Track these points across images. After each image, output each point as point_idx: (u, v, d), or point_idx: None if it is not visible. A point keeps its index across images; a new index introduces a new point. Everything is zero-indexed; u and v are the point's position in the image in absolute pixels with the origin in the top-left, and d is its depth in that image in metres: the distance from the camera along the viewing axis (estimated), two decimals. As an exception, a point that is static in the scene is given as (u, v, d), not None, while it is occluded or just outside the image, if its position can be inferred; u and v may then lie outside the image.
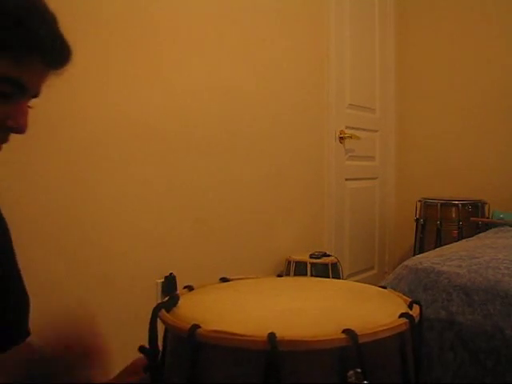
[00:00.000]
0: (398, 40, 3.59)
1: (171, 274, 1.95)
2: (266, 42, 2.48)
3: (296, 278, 0.97)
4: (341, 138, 3.02)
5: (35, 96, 0.77)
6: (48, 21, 0.72)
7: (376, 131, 3.45)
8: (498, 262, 1.50)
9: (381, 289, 0.84)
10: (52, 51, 0.72)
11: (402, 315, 0.67)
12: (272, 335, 0.58)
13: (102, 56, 1.75)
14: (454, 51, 3.39)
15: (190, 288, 0.82)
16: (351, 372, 0.58)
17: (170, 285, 1.92)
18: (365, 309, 0.71)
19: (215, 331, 0.60)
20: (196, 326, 0.61)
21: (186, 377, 0.62)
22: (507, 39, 3.21)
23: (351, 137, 3.05)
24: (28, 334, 0.90)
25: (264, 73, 2.47)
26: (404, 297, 0.79)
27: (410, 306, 0.73)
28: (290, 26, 2.64)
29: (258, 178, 2.46)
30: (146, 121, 1.92)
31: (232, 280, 0.89)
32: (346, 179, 3.11)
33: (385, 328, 0.63)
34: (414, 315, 0.67)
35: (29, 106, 0.77)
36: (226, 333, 0.59)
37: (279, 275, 0.95)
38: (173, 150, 2.02)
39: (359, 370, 0.58)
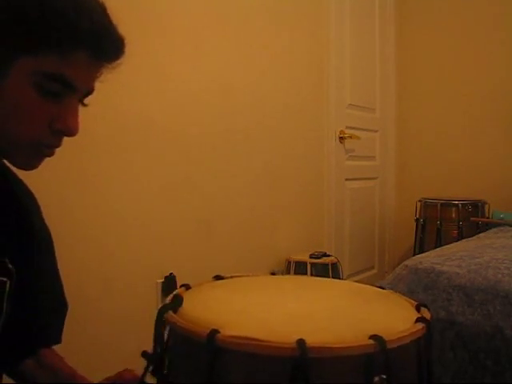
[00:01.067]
0: (398, 40, 3.59)
1: (171, 273, 1.95)
2: (265, 42, 2.47)
3: (292, 276, 0.96)
4: (341, 138, 3.02)
5: (88, 93, 0.72)
6: (93, 11, 0.66)
7: (376, 131, 3.45)
8: (498, 262, 1.50)
9: (380, 289, 0.84)
10: (99, 44, 0.67)
11: (418, 320, 0.67)
12: (301, 342, 0.56)
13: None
14: (454, 51, 3.39)
15: (187, 287, 0.81)
16: (377, 378, 0.58)
17: (170, 285, 1.92)
18: (378, 313, 0.71)
19: (238, 337, 0.58)
20: (215, 331, 0.59)
21: (203, 382, 0.60)
22: (508, 39, 3.21)
23: (351, 137, 3.05)
24: (59, 341, 0.89)
25: (264, 73, 2.47)
26: (404, 297, 0.79)
27: (417, 309, 0.73)
28: (290, 25, 2.64)
29: (258, 178, 2.46)
30: (147, 120, 1.91)
31: (226, 278, 0.88)
32: (346, 179, 3.11)
33: (408, 333, 0.63)
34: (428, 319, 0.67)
35: (83, 104, 0.72)
36: (250, 338, 0.57)
37: (273, 273, 0.93)
38: (173, 149, 2.02)
39: (384, 377, 0.58)
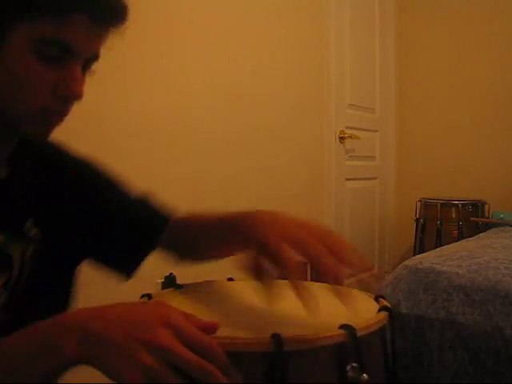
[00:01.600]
0: (398, 40, 3.59)
1: (171, 273, 1.95)
2: (266, 42, 2.48)
3: (245, 281, 0.96)
4: (341, 138, 3.02)
5: (93, 59, 0.71)
6: None
7: (376, 131, 3.45)
8: (498, 262, 1.50)
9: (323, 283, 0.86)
10: (97, 6, 0.66)
11: (381, 309, 0.69)
12: (277, 335, 0.56)
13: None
14: (454, 51, 3.39)
15: (148, 296, 0.80)
16: (349, 367, 0.59)
17: (170, 285, 1.92)
18: (341, 305, 0.72)
19: (213, 337, 0.57)
20: None
21: None
22: (508, 38, 3.21)
23: (351, 137, 3.05)
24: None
25: (264, 73, 2.47)
26: (360, 290, 0.80)
27: (376, 300, 0.76)
28: (290, 25, 2.64)
29: (258, 178, 2.46)
30: (147, 120, 1.92)
31: (186, 285, 0.87)
32: (346, 179, 3.11)
33: (375, 321, 0.65)
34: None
35: (90, 71, 0.72)
36: (222, 337, 0.57)
37: (229, 279, 0.94)
38: (173, 149, 2.02)
39: (355, 365, 0.59)
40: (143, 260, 0.97)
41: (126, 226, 0.90)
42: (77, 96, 0.68)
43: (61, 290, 0.85)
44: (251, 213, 0.75)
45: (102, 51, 0.72)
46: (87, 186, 0.89)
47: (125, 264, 0.97)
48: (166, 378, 0.51)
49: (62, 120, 0.71)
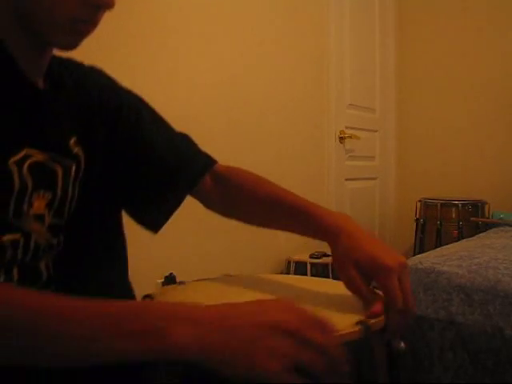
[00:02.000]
0: (398, 40, 3.59)
1: (171, 273, 1.95)
2: (266, 42, 2.48)
3: (246, 276, 0.96)
4: (341, 138, 3.02)
5: None
6: None
7: (376, 131, 3.45)
8: (498, 262, 1.50)
9: (316, 278, 0.90)
10: None
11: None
12: (364, 323, 0.63)
13: (105, 48, 1.75)
14: (455, 50, 3.39)
15: (150, 297, 0.80)
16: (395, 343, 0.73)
17: (169, 285, 1.92)
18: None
19: None
20: None
21: None
22: (508, 38, 3.21)
23: (351, 137, 3.05)
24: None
25: (264, 72, 2.47)
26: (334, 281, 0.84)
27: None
28: (291, 25, 2.64)
29: (258, 178, 2.46)
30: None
31: (187, 282, 0.87)
32: (346, 179, 3.11)
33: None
34: None
35: None
36: None
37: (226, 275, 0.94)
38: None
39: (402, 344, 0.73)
40: (181, 200, 0.96)
41: (169, 161, 0.91)
42: (108, 4, 0.66)
43: (106, 229, 0.84)
44: (347, 229, 0.79)
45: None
46: (133, 115, 0.88)
47: (163, 203, 0.95)
48: (310, 364, 0.49)
49: (91, 30, 0.69)
